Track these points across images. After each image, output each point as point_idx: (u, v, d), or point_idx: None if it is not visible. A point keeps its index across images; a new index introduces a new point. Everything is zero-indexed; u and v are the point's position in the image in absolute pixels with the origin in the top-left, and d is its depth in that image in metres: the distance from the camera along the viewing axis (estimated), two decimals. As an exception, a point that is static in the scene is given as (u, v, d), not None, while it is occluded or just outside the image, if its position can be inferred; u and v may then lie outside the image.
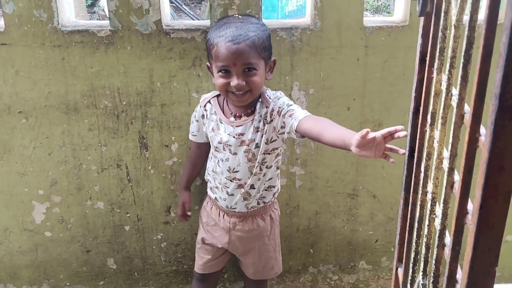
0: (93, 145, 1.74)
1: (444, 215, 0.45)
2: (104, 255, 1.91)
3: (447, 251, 0.41)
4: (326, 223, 1.92)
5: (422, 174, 0.60)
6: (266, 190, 1.62)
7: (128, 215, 1.85)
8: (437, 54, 0.54)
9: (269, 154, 1.55)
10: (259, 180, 1.58)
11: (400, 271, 0.63)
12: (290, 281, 2.01)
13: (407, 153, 0.57)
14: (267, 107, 1.50)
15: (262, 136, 1.50)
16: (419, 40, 0.56)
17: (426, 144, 0.55)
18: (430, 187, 0.50)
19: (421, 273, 0.53)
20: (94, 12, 6.56)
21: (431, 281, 0.48)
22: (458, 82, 0.42)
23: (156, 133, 1.73)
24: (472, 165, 0.38)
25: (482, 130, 0.39)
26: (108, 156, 1.76)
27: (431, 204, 0.53)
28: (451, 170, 0.43)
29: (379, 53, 1.66)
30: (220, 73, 1.43)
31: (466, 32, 0.40)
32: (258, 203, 1.62)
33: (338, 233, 1.93)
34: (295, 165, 1.81)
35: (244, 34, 1.38)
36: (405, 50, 1.66)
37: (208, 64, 1.52)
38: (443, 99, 0.50)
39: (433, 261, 0.48)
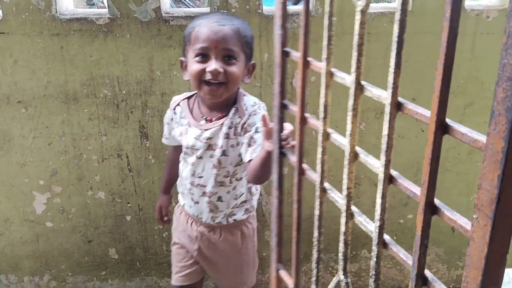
0: (93, 134, 1.72)
1: (383, 210, 0.45)
2: (105, 245, 1.90)
3: (415, 247, 0.42)
4: (327, 212, 1.89)
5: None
6: (237, 206, 1.47)
7: (129, 205, 1.85)
8: (326, 43, 0.53)
9: (239, 165, 1.41)
10: (228, 193, 1.43)
11: (284, 273, 0.62)
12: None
13: (276, 151, 0.55)
14: (240, 117, 1.35)
15: (232, 146, 1.37)
16: (279, 31, 0.53)
17: (320, 139, 0.55)
18: (345, 183, 0.50)
19: (341, 272, 0.53)
20: (93, 4, 6.52)
21: (373, 280, 0.48)
22: (392, 70, 0.41)
23: (157, 122, 1.72)
24: (439, 155, 0.38)
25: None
26: (109, 146, 1.75)
27: (347, 200, 0.52)
28: (388, 163, 0.43)
29: (381, 40, 1.64)
30: (196, 58, 1.29)
31: (398, 16, 0.39)
32: (228, 221, 1.48)
33: (340, 222, 1.92)
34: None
35: (230, 20, 1.31)
36: (408, 36, 1.62)
37: (182, 59, 1.38)
38: (352, 90, 0.50)
39: (374, 259, 0.48)
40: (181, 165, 1.49)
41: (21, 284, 1.93)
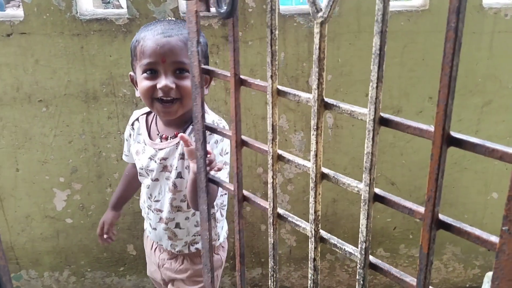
0: (112, 133, 1.75)
1: (369, 230, 0.43)
2: (124, 241, 1.93)
3: (420, 265, 0.40)
4: (343, 211, 1.91)
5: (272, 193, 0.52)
6: (199, 234, 1.33)
7: (147, 202, 1.87)
8: (270, 60, 0.48)
9: None
10: (186, 219, 1.32)
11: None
12: (307, 267, 2.01)
13: (203, 177, 0.51)
14: None
15: (187, 168, 1.25)
16: (194, 48, 0.51)
17: (270, 162, 0.49)
18: (312, 206, 0.46)
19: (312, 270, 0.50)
20: (109, 3, 6.59)
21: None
22: (375, 85, 0.38)
23: (174, 120, 1.74)
24: (444, 169, 0.35)
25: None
26: (127, 144, 1.77)
27: (315, 224, 0.48)
28: (372, 181, 0.41)
29: (398, 38, 1.64)
30: (145, 74, 1.17)
31: (378, 28, 0.36)
32: (189, 249, 1.36)
33: (355, 220, 1.92)
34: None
35: (178, 29, 1.17)
36: (424, 35, 1.64)
37: (132, 74, 1.26)
38: (315, 109, 0.44)
39: (361, 282, 0.46)
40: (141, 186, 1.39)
41: (41, 279, 1.97)
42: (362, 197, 0.40)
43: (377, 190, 0.41)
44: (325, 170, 0.43)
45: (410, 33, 1.64)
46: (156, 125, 1.31)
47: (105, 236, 1.50)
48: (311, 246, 0.47)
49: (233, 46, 0.50)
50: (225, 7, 0.48)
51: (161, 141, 1.27)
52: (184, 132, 1.23)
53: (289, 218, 0.50)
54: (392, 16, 1.61)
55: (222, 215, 1.39)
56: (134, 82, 1.26)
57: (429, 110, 1.74)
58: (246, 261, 1.98)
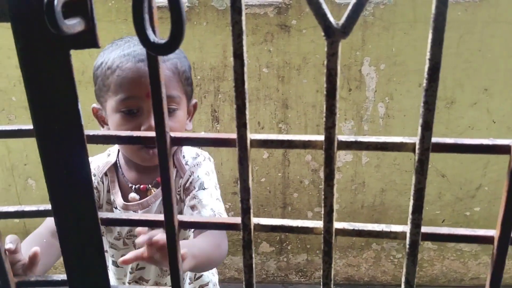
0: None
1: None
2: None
3: None
4: (391, 201, 1.92)
5: None
6: (197, 278, 1.13)
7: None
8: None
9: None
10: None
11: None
12: (352, 256, 2.03)
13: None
14: (181, 177, 0.99)
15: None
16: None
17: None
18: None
19: None
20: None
21: None
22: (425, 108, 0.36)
23: (228, 107, 1.80)
24: None
25: None
26: (182, 128, 1.85)
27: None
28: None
29: (454, 28, 1.62)
30: (120, 114, 0.89)
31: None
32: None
33: (403, 211, 1.92)
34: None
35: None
36: (482, 25, 1.61)
37: (96, 107, 0.97)
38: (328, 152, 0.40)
39: None
40: (108, 260, 1.06)
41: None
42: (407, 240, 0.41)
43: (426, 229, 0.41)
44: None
45: (466, 23, 1.62)
46: (123, 175, 1.02)
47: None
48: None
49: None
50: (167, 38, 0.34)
51: (137, 195, 0.99)
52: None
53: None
54: (449, 6, 1.59)
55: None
56: (99, 118, 0.97)
57: (484, 102, 1.71)
58: (292, 247, 2.03)
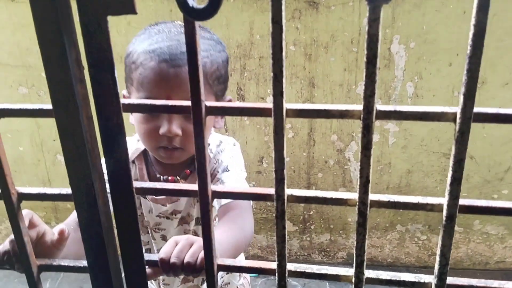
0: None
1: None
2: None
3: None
4: (417, 182, 1.90)
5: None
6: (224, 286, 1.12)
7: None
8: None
9: None
10: None
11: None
12: (376, 237, 2.03)
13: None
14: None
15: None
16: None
17: None
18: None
19: None
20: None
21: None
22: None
23: (253, 85, 1.79)
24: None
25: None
26: (208, 106, 1.85)
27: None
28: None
29: (488, 6, 1.57)
30: (141, 115, 0.88)
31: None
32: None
33: (430, 193, 1.90)
34: (389, 121, 1.79)
35: None
36: (503, 14, 1.56)
37: (125, 94, 0.94)
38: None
39: None
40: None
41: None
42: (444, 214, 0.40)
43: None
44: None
45: (501, 0, 1.56)
46: (154, 166, 1.01)
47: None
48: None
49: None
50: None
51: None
52: (194, 169, 0.95)
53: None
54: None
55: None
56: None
57: (517, 83, 1.67)
58: (315, 226, 2.03)
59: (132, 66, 0.86)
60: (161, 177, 0.98)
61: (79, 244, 0.73)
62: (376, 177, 1.90)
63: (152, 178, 0.99)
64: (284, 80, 0.39)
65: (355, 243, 0.42)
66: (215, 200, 0.86)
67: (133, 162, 1.00)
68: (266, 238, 2.07)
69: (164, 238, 1.02)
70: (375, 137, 1.81)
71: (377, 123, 1.78)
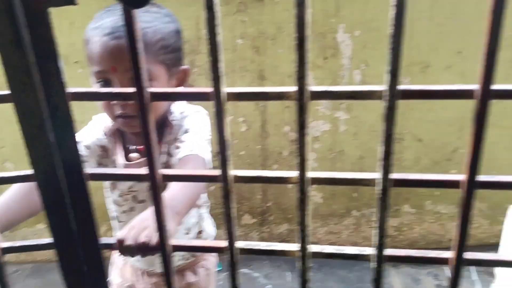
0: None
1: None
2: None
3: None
4: (370, 168, 1.94)
5: None
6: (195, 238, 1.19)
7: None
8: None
9: None
10: (176, 232, 1.10)
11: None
12: (333, 223, 2.06)
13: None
14: (170, 133, 1.02)
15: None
16: None
17: None
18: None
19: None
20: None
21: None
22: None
23: (204, 80, 1.78)
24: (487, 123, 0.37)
25: None
26: (158, 103, 1.83)
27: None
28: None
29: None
30: (97, 85, 0.93)
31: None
32: (187, 258, 1.17)
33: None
34: (339, 109, 1.83)
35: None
36: (454, -12, 1.62)
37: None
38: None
39: None
40: (113, 211, 1.12)
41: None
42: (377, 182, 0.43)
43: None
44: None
45: None
46: (122, 136, 1.06)
47: None
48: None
49: None
50: None
51: (138, 155, 1.02)
52: (162, 136, 1.01)
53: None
54: (421, -31, 1.59)
55: (207, 213, 1.21)
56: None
57: (458, 65, 1.73)
58: (274, 217, 2.05)
59: (84, 44, 0.93)
60: (129, 146, 1.03)
61: (27, 203, 0.85)
62: (330, 165, 1.93)
63: (125, 150, 1.05)
64: (222, 65, 0.40)
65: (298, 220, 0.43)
66: (175, 151, 0.97)
67: (110, 136, 1.05)
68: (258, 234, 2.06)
69: (135, 199, 1.07)
70: (327, 126, 1.84)
71: (327, 112, 1.80)
